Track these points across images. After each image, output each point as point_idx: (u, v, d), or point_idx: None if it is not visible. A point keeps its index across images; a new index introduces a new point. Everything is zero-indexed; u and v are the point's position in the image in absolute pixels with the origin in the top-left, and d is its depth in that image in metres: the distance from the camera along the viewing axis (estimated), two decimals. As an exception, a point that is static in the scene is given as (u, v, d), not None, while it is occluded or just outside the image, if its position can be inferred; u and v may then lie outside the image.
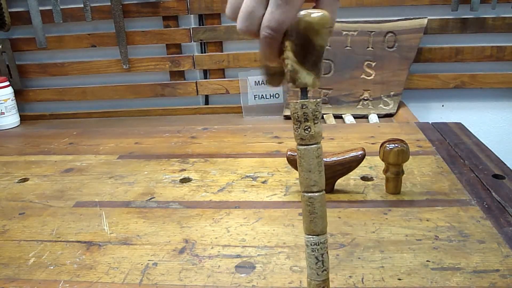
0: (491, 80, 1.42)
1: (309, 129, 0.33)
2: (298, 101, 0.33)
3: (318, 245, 0.34)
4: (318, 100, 0.33)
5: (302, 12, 0.32)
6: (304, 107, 0.33)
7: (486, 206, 0.55)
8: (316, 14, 0.32)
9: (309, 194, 0.34)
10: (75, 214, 0.58)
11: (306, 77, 0.33)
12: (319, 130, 0.33)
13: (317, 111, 0.33)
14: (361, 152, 0.58)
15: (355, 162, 0.58)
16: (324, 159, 0.57)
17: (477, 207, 0.54)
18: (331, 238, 0.49)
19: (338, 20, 1.36)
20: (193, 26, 1.46)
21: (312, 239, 0.34)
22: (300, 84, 0.33)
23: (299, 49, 0.32)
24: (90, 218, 0.57)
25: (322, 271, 0.35)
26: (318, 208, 0.34)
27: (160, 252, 0.48)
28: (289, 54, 0.33)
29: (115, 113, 1.55)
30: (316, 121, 0.33)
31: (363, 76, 1.38)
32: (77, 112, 1.56)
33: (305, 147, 0.33)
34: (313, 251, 0.35)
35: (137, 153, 0.79)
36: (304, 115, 0.33)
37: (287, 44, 0.33)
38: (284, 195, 0.61)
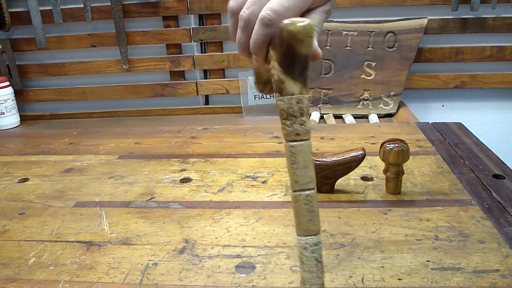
0: (491, 80, 1.42)
1: (304, 124, 0.33)
2: (291, 96, 0.32)
3: (317, 245, 0.34)
4: (307, 96, 0.33)
5: (286, 21, 0.31)
6: (299, 101, 0.32)
7: (486, 206, 0.55)
8: (300, 23, 0.31)
9: (307, 192, 0.33)
10: (75, 214, 0.58)
11: (292, 86, 0.32)
12: (310, 125, 0.34)
13: (308, 106, 0.33)
14: (361, 152, 0.57)
15: (355, 162, 0.58)
16: (324, 159, 0.57)
17: (477, 207, 0.54)
18: (331, 238, 0.49)
19: (338, 20, 1.37)
20: (193, 26, 1.46)
21: (311, 240, 0.34)
22: (287, 94, 0.33)
23: (284, 58, 0.32)
24: (90, 218, 0.57)
25: (321, 272, 0.34)
26: (315, 205, 0.34)
27: (160, 252, 0.48)
28: (274, 64, 0.33)
29: (115, 113, 1.55)
30: (308, 116, 0.33)
31: (363, 76, 1.38)
32: (77, 112, 1.56)
33: (301, 142, 0.33)
34: (313, 253, 0.34)
35: (137, 153, 0.79)
36: (300, 110, 0.33)
37: (272, 53, 0.33)
38: (284, 195, 0.61)
